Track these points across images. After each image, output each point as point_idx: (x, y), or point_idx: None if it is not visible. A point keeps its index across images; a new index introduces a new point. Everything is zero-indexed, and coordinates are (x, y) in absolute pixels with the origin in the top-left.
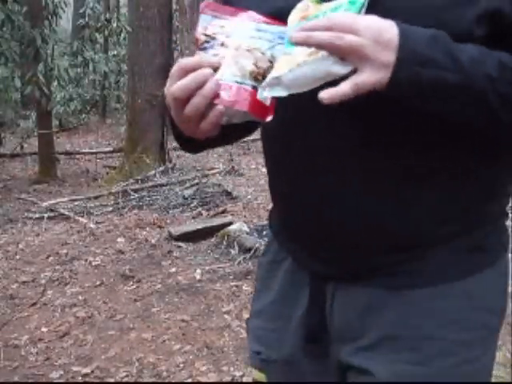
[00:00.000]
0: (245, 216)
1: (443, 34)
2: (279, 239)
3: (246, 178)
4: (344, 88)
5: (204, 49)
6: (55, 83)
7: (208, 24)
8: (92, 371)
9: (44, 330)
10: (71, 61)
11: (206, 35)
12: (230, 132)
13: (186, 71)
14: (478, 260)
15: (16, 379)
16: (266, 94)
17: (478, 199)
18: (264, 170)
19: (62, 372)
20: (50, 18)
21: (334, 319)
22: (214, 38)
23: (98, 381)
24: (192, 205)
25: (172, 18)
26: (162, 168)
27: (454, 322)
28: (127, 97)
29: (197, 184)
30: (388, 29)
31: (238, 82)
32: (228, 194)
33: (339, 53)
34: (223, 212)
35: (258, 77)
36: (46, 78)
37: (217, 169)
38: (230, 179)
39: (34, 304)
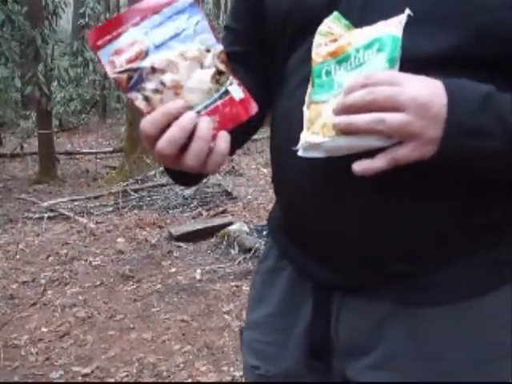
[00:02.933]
0: (245, 216)
1: (495, 92)
2: (281, 245)
3: (246, 177)
4: (380, 163)
5: (134, 87)
6: (55, 83)
7: (111, 56)
8: (92, 371)
9: (44, 329)
10: (71, 61)
11: (122, 72)
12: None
13: (160, 130)
14: (498, 275)
15: (16, 379)
16: (300, 154)
17: (499, 212)
18: (264, 170)
19: (62, 372)
20: (50, 17)
21: (340, 333)
22: (135, 70)
23: (98, 381)
24: (192, 205)
25: None
26: (161, 168)
27: (469, 342)
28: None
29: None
30: (435, 99)
31: (214, 101)
32: (228, 194)
33: (384, 135)
34: (223, 212)
35: (217, 77)
36: (46, 78)
37: None
38: (230, 179)
39: (34, 304)
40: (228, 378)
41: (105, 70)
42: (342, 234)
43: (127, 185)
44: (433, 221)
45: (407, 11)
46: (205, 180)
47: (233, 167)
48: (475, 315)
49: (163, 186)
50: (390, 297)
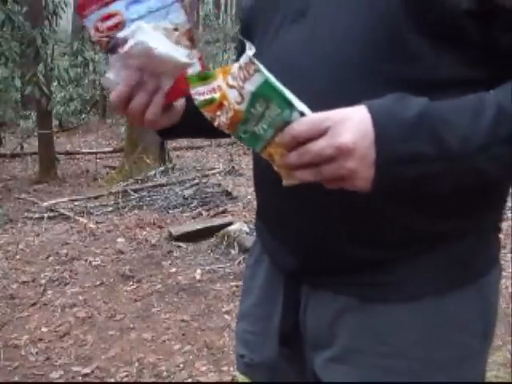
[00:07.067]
0: (245, 216)
1: (431, 112)
2: (261, 238)
3: (245, 178)
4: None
5: (111, 50)
6: (55, 83)
7: (97, 22)
8: (92, 371)
9: (44, 329)
10: (71, 61)
11: (103, 36)
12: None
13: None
14: (459, 275)
15: (16, 379)
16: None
17: (461, 209)
18: None
19: (62, 372)
20: (49, 17)
21: (307, 324)
22: (112, 37)
23: (98, 381)
24: (192, 205)
25: None
26: (162, 168)
27: (427, 340)
28: None
29: (197, 184)
30: (360, 141)
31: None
32: (228, 194)
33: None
34: (223, 212)
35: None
36: (46, 78)
37: (217, 169)
38: (230, 179)
39: (34, 304)
40: (228, 378)
41: (90, 32)
42: (303, 222)
43: (127, 185)
44: (394, 212)
45: (248, 52)
46: (205, 180)
47: (233, 167)
48: (434, 314)
49: (163, 185)
50: (350, 291)
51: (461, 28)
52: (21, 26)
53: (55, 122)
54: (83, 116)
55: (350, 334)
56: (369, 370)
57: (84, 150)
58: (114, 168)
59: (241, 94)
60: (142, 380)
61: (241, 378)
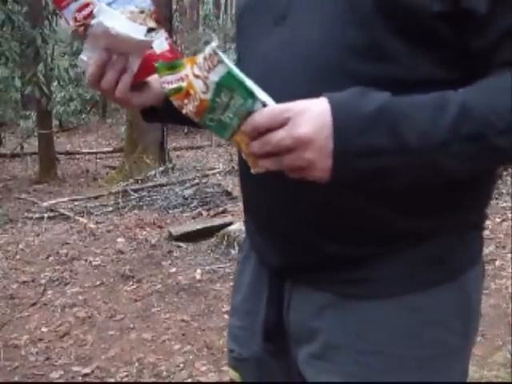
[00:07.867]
0: None
1: (391, 106)
2: (248, 231)
3: None
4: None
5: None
6: (55, 83)
7: (74, 13)
8: (92, 371)
9: (44, 329)
10: (71, 61)
11: (80, 25)
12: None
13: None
14: (437, 273)
15: (16, 379)
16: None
17: (436, 208)
18: None
19: (62, 372)
20: (49, 17)
21: (290, 319)
22: (89, 24)
23: (98, 381)
24: (192, 205)
25: (172, 18)
26: (161, 168)
27: (405, 337)
28: None
29: (197, 184)
30: (319, 132)
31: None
32: (228, 194)
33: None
34: (223, 212)
35: (147, 33)
36: (46, 78)
37: (217, 169)
38: (230, 179)
39: (34, 304)
40: (228, 378)
41: (68, 23)
42: (277, 214)
43: (127, 185)
44: (366, 208)
45: (212, 43)
46: (205, 180)
47: (233, 167)
48: (412, 311)
49: (163, 185)
50: (329, 287)
51: (434, 30)
52: (21, 26)
53: (55, 122)
54: (83, 116)
55: (331, 330)
56: (348, 366)
57: (84, 150)
58: (114, 168)
59: (206, 84)
60: (142, 380)
61: (231, 372)
